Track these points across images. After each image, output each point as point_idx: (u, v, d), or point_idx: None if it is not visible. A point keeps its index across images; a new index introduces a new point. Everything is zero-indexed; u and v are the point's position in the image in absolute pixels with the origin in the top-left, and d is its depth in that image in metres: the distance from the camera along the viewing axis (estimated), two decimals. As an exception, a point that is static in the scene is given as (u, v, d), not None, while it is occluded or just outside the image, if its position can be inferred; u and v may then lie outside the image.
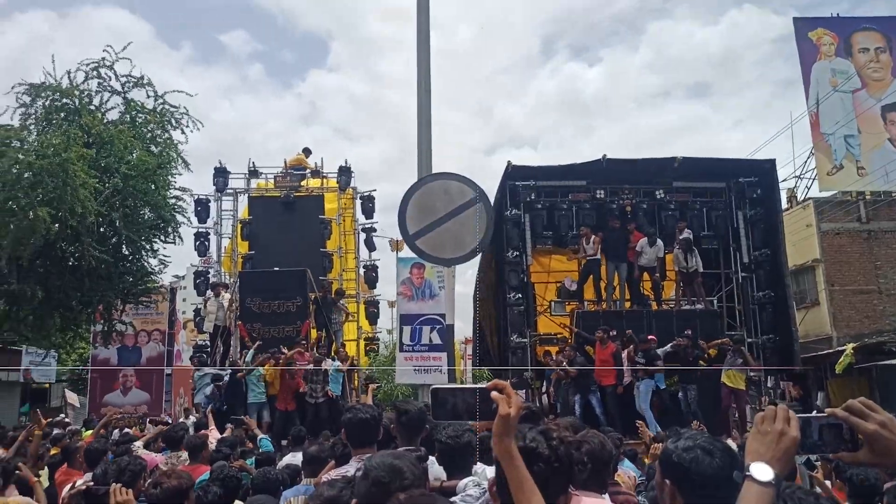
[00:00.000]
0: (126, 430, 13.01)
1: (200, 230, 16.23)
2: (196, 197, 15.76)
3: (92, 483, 4.14)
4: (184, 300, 30.21)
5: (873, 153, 20.64)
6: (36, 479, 5.10)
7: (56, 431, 8.92)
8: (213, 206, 16.53)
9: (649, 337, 11.95)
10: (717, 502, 1.69)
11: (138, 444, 6.75)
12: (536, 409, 6.50)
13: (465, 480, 3.13)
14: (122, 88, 13.35)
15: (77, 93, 12.85)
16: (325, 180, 17.50)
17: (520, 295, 13.37)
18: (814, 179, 21.08)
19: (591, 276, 13.92)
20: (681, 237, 13.48)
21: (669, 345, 11.84)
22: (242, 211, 17.09)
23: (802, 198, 21.23)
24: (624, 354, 11.87)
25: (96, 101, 13.26)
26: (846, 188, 20.33)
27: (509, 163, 13.93)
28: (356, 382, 14.62)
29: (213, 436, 6.84)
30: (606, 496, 2.96)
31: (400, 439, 3.73)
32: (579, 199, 13.97)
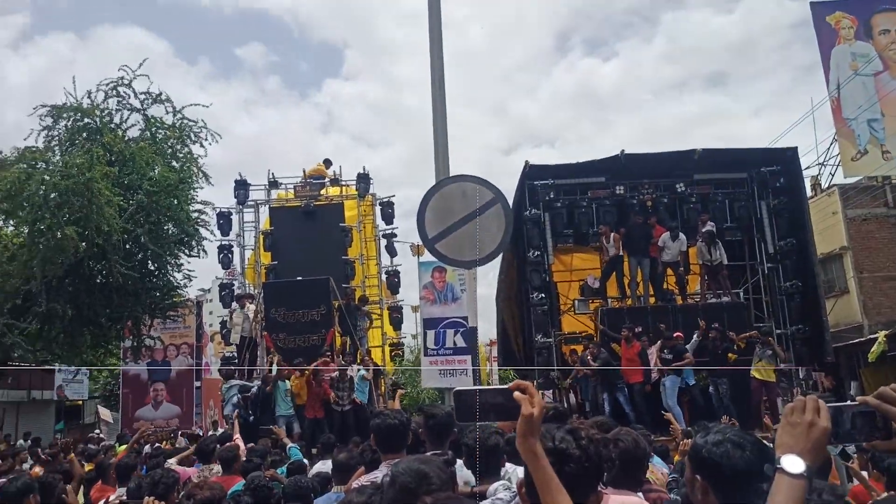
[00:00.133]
0: (157, 444, 13.20)
1: (223, 243, 16.37)
2: (218, 210, 15.94)
3: (125, 497, 4.20)
4: (210, 313, 30.56)
5: (899, 136, 20.23)
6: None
7: (90, 447, 9.07)
8: (234, 218, 16.69)
9: (675, 334, 11.82)
10: (750, 496, 1.67)
11: (172, 460, 6.83)
12: (563, 409, 6.47)
13: (496, 484, 3.12)
14: (142, 106, 13.58)
15: (98, 112, 13.10)
16: (344, 188, 17.58)
17: (543, 295, 13.31)
18: (838, 166, 20.73)
19: (615, 273, 13.82)
20: (703, 230, 13.32)
21: (695, 334, 11.71)
22: (264, 222, 17.23)
23: (827, 185, 20.87)
24: (651, 351, 11.76)
25: (116, 119, 13.52)
26: (872, 173, 19.94)
27: (527, 162, 13.89)
28: (383, 388, 14.66)
29: (239, 445, 6.89)
30: (640, 494, 2.94)
31: (428, 443, 3.74)
32: (599, 195, 13.89)
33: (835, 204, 19.42)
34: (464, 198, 5.04)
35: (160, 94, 13.66)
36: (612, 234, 13.39)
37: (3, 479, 4.96)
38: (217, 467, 5.87)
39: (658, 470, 5.30)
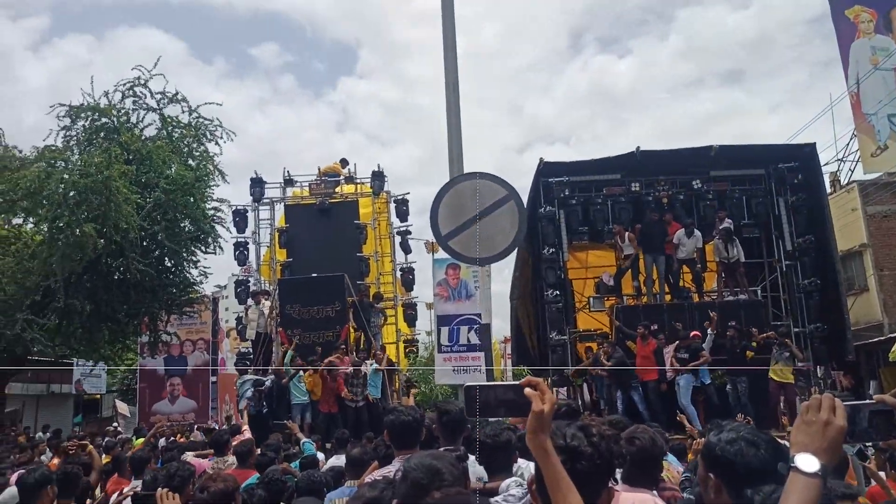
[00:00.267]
0: (172, 437, 13.34)
1: (239, 240, 16.53)
2: (234, 208, 16.07)
3: (139, 489, 4.25)
4: (226, 309, 30.83)
5: (920, 132, 19.90)
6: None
7: (107, 440, 9.17)
8: (250, 215, 16.83)
9: (692, 334, 11.73)
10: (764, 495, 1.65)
11: (189, 454, 6.90)
12: (575, 406, 6.45)
13: (508, 481, 3.12)
14: (158, 105, 13.70)
15: (115, 112, 13.24)
16: (358, 185, 17.65)
17: (557, 292, 13.26)
18: (857, 162, 20.43)
19: (630, 271, 13.73)
20: (721, 227, 13.20)
21: (708, 330, 11.59)
22: (279, 219, 17.35)
23: (846, 181, 20.59)
24: (667, 351, 11.67)
25: (133, 119, 13.65)
26: (892, 169, 19.64)
27: (542, 159, 13.84)
28: (397, 384, 14.70)
29: (251, 438, 6.95)
30: (655, 492, 2.92)
31: (442, 439, 3.74)
32: (614, 192, 13.80)
33: (854, 200, 19.16)
34: (477, 195, 5.03)
35: (176, 93, 13.78)
36: (627, 234, 13.30)
37: (23, 470, 5.02)
38: (231, 458, 5.92)
39: (673, 468, 5.28)
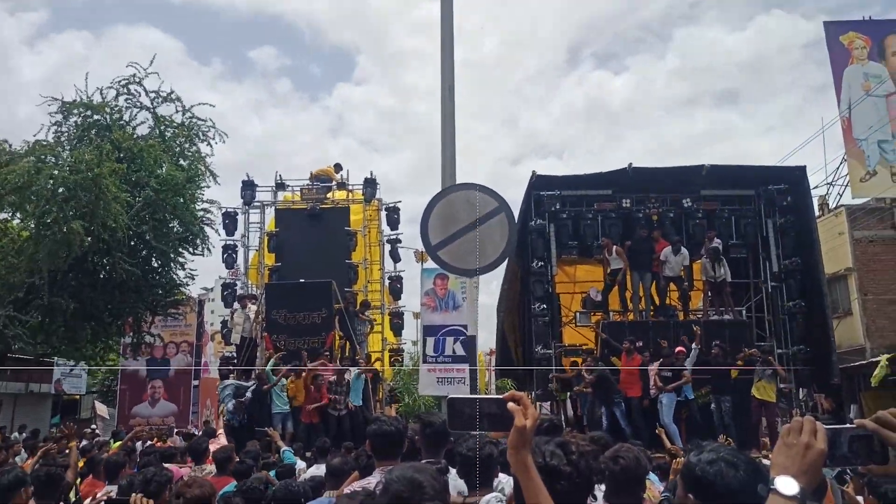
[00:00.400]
0: (149, 441, 13.17)
1: (228, 242, 16.44)
2: (224, 210, 15.99)
3: (113, 494, 4.17)
4: (212, 312, 30.62)
5: (908, 159, 20.16)
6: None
7: (84, 443, 9.04)
8: (240, 218, 16.75)
9: (677, 350, 11.77)
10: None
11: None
12: (557, 421, 6.43)
13: (488, 497, 3.10)
14: (151, 104, 13.64)
15: (108, 109, 13.17)
16: (350, 192, 17.63)
17: (545, 305, 13.29)
18: (846, 186, 20.65)
19: (617, 286, 13.78)
20: (710, 246, 13.28)
21: (693, 344, 11.61)
22: (269, 223, 17.28)
23: (834, 205, 20.79)
24: (650, 368, 11.69)
25: (126, 117, 13.58)
26: (880, 194, 19.85)
27: (534, 172, 13.90)
28: (381, 394, 14.61)
29: (219, 444, 6.88)
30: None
31: (424, 451, 3.72)
32: (605, 208, 13.87)
33: (841, 224, 19.34)
34: (468, 206, 5.03)
35: (170, 92, 13.74)
36: (615, 248, 13.36)
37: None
38: (210, 467, 5.85)
39: (655, 487, 5.27)
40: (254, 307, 14.83)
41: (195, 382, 23.29)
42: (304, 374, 11.79)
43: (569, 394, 13.65)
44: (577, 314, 14.66)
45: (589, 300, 14.59)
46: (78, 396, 28.24)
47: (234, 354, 14.75)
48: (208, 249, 14.29)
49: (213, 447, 6.65)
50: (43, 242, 11.46)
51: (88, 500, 4.80)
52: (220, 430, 7.82)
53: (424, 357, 13.17)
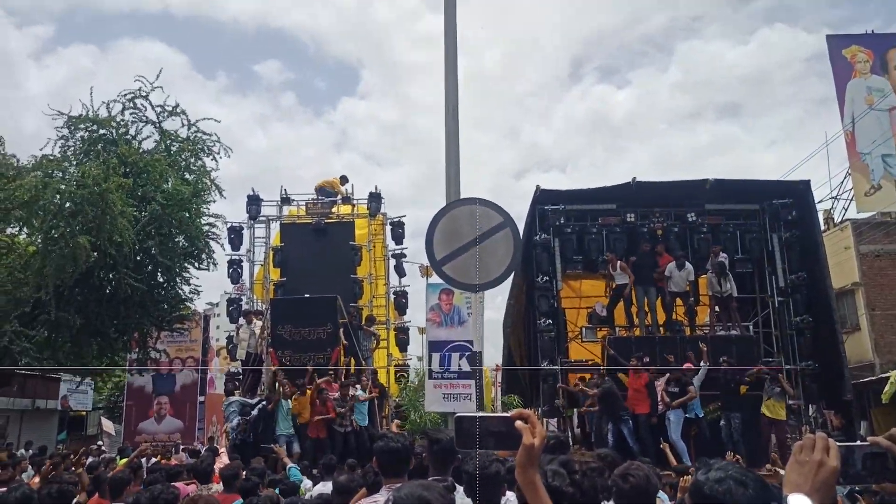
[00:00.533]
0: (153, 459, 13.12)
1: (234, 257, 16.46)
2: (229, 224, 16.04)
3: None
4: (217, 327, 30.60)
5: (913, 173, 20.13)
6: None
7: (91, 460, 9.01)
8: (245, 233, 16.78)
9: (685, 365, 11.69)
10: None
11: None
12: (564, 439, 6.38)
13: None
14: (157, 118, 13.75)
15: (114, 124, 13.27)
16: (355, 206, 17.67)
17: (550, 321, 13.22)
18: (851, 200, 20.61)
19: (623, 302, 13.72)
20: (715, 261, 13.23)
21: (701, 362, 11.54)
22: (274, 238, 17.30)
23: (840, 219, 20.74)
24: (658, 384, 11.61)
25: (132, 131, 13.68)
26: (885, 209, 19.81)
27: (538, 187, 13.89)
28: (387, 410, 14.53)
29: (222, 462, 6.85)
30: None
31: (431, 468, 3.69)
32: (609, 222, 13.84)
33: (847, 239, 19.28)
34: (473, 221, 5.04)
35: (176, 106, 13.85)
36: (619, 262, 13.32)
37: (3, 489, 4.92)
38: (216, 486, 5.82)
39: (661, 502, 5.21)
40: (259, 323, 14.80)
41: (201, 398, 23.27)
42: (308, 390, 11.75)
43: (576, 410, 13.54)
44: (584, 329, 14.58)
45: (595, 315, 14.52)
46: (84, 413, 28.22)
47: (240, 370, 14.72)
48: (214, 264, 14.35)
49: (217, 465, 6.62)
50: (50, 257, 11.52)
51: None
52: (223, 448, 7.78)
53: (430, 373, 13.09)
